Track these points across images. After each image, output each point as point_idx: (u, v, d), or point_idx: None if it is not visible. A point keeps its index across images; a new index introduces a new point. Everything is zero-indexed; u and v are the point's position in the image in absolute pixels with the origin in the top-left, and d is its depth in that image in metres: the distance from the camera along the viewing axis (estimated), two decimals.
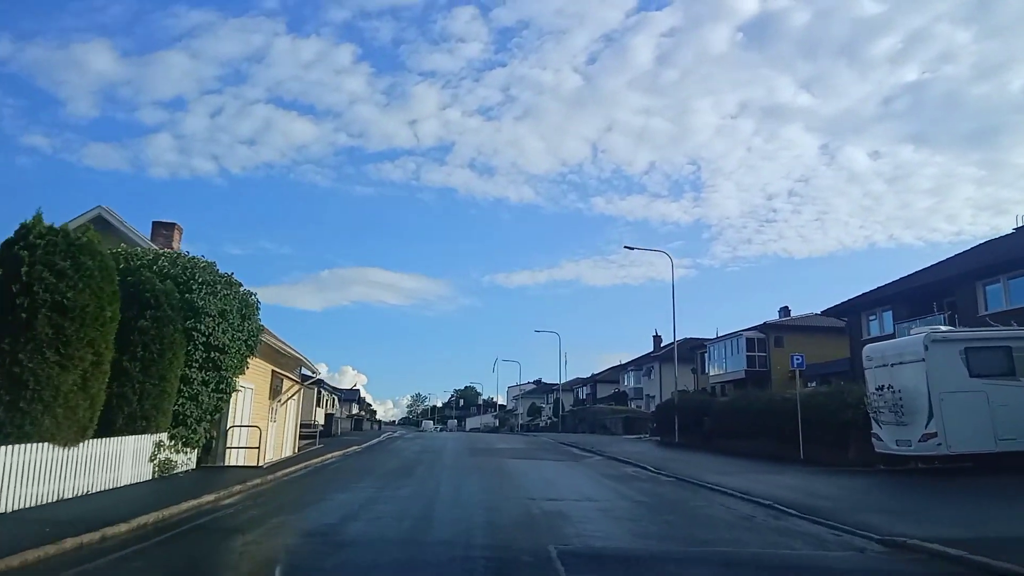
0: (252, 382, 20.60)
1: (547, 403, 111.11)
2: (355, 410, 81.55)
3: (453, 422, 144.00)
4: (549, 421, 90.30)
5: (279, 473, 16.55)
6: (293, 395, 25.66)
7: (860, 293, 37.66)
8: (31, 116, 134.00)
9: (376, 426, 71.44)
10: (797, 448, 21.67)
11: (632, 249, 34.36)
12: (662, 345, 72.34)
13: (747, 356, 47.64)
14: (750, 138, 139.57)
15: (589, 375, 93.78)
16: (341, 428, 40.98)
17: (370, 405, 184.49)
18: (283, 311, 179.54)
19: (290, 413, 26.91)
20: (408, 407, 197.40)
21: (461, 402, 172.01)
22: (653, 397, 67.32)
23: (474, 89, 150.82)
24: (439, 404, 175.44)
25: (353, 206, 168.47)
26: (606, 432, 48.64)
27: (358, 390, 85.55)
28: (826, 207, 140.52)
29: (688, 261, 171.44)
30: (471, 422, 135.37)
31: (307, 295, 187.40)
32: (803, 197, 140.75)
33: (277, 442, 24.81)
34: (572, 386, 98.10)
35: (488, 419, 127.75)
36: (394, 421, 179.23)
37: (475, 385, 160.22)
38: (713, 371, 52.73)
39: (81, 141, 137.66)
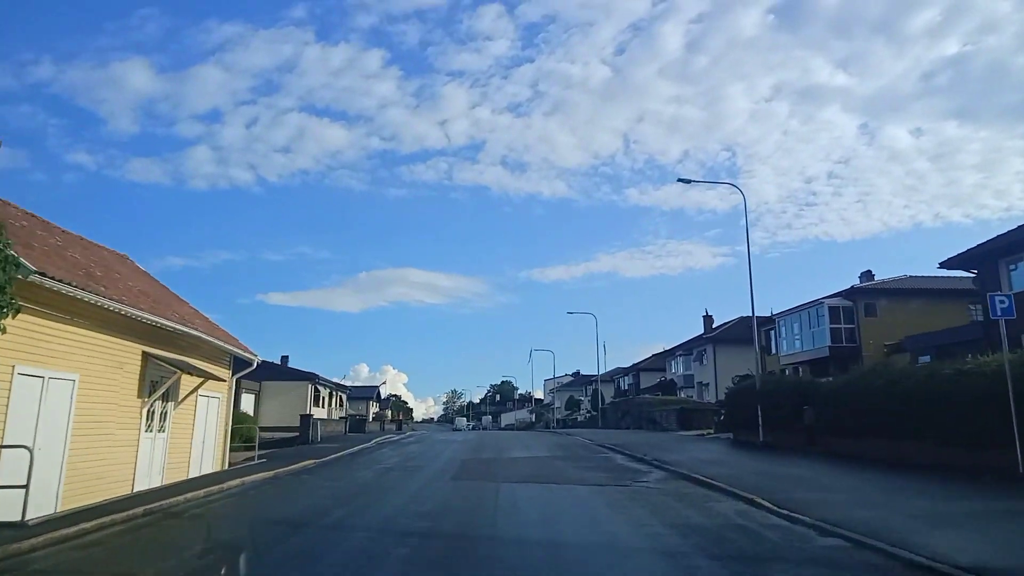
0: (75, 370, 12.14)
1: (585, 396, 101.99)
2: (374, 408, 73.60)
3: (487, 418, 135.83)
4: (588, 415, 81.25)
5: (39, 539, 8.04)
6: (196, 389, 17.20)
7: (995, 235, 27.74)
8: (75, 135, 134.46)
9: (396, 426, 63.17)
10: (1004, 454, 12.41)
11: (689, 182, 25.05)
12: (714, 326, 62.67)
13: (831, 329, 37.87)
14: (786, 121, 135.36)
15: (630, 365, 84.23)
16: (324, 432, 32.62)
17: (406, 403, 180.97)
18: (323, 314, 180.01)
19: (206, 417, 18.47)
20: (444, 404, 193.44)
21: (497, 397, 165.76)
22: (707, 385, 57.72)
23: (503, 86, 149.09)
24: (476, 400, 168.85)
25: (388, 208, 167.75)
26: (656, 428, 39.36)
27: (377, 387, 77.51)
28: (868, 188, 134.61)
29: (726, 249, 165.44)
30: (506, 418, 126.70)
31: (346, 298, 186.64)
32: (843, 179, 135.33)
33: (176, 459, 16.39)
34: (612, 376, 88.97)
35: (523, 414, 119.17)
36: (432, 419, 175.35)
37: (510, 379, 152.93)
38: (784, 350, 43.04)
39: (123, 157, 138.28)
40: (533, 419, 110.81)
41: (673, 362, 67.57)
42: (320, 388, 45.37)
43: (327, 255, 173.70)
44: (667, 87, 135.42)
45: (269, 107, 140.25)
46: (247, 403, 40.78)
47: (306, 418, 29.94)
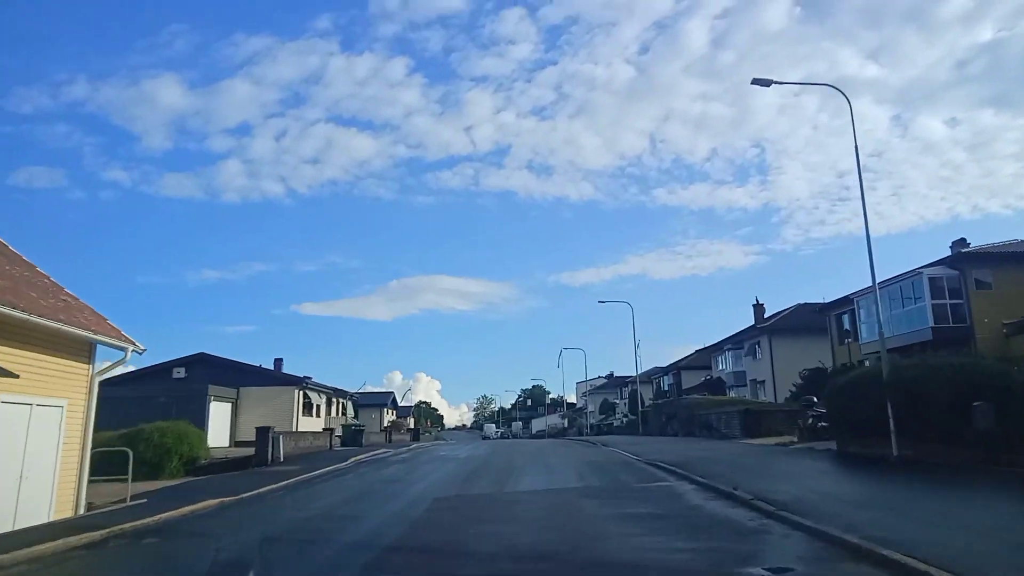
0: None
1: (621, 398, 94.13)
2: (390, 416, 66.66)
3: (518, 424, 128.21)
4: (625, 419, 73.49)
5: None
6: None
7: None
8: (110, 152, 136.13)
9: (413, 435, 56.04)
10: None
11: (768, 85, 17.22)
12: (767, 315, 54.45)
13: (932, 307, 29.70)
14: (815, 115, 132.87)
15: (669, 364, 76.10)
16: (297, 448, 25.61)
17: (436, 410, 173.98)
18: (355, 323, 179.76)
19: (28, 439, 11.39)
20: (474, 411, 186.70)
21: (528, 402, 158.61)
22: (762, 382, 49.62)
23: (527, 90, 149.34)
24: (508, 405, 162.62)
25: (416, 216, 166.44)
26: (713, 435, 31.51)
27: (391, 392, 70.48)
28: (903, 181, 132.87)
29: (758, 247, 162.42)
30: (537, 424, 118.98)
31: (378, 306, 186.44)
32: (877, 172, 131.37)
33: None
34: (650, 377, 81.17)
35: (555, 420, 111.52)
36: (465, 425, 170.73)
37: (540, 383, 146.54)
38: (865, 337, 34.83)
39: (158, 172, 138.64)
40: (565, 424, 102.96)
41: (720, 358, 59.46)
42: (311, 394, 38.40)
43: (358, 264, 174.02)
44: (693, 84, 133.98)
45: (297, 119, 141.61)
46: (220, 414, 34.00)
47: (264, 432, 22.82)
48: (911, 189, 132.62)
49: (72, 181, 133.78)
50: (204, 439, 24.24)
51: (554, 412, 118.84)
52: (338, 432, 34.07)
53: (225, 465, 22.63)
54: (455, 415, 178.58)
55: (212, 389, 33.06)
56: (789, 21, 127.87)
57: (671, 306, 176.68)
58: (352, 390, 50.87)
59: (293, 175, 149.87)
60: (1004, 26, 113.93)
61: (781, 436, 25.56)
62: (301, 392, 37.08)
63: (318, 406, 40.37)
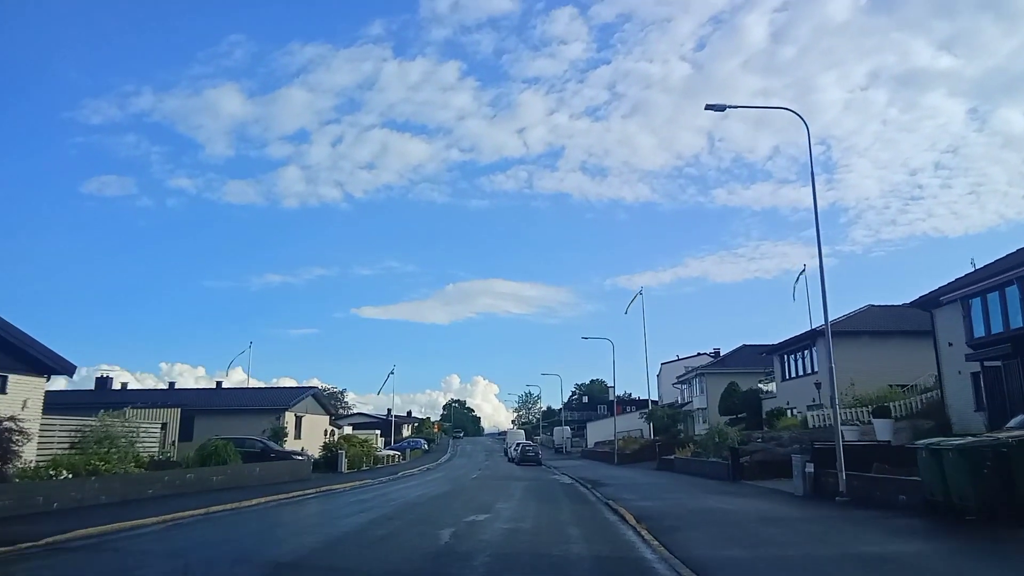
0: None
1: (784, 377, 41.47)
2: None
3: (564, 431, 77.28)
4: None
5: None
6: None
7: None
8: (175, 161, 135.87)
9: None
10: None
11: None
12: None
13: None
14: (885, 110, 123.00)
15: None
16: None
17: (471, 411, 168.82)
18: (413, 326, 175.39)
19: None
20: (516, 412, 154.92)
21: (585, 399, 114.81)
22: None
23: (579, 91, 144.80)
24: (558, 405, 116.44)
25: (470, 220, 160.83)
26: None
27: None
28: (981, 178, 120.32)
29: (825, 249, 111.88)
30: (595, 430, 67.14)
31: (435, 310, 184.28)
32: (952, 169, 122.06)
33: None
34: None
35: (633, 422, 58.84)
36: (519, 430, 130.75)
37: (602, 379, 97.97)
38: None
39: (221, 180, 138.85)
40: (652, 432, 50.56)
41: None
42: None
43: (414, 268, 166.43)
44: (752, 80, 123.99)
45: (352, 125, 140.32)
46: None
47: None
48: (991, 186, 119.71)
49: (141, 189, 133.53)
50: None
51: (628, 410, 66.83)
52: None
53: None
54: (515, 418, 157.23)
55: None
56: (854, 12, 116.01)
57: (736, 309, 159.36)
58: None
59: (350, 180, 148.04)
60: None
61: None
62: None
63: None
